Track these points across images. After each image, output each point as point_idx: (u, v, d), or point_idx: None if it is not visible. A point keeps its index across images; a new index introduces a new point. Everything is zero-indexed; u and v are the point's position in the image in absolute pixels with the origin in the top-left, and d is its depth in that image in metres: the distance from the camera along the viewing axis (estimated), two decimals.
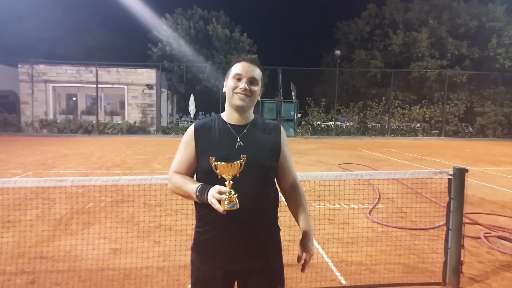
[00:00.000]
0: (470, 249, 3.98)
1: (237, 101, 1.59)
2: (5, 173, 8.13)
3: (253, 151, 1.57)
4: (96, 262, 3.48)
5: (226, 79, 1.68)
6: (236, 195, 1.43)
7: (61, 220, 4.81)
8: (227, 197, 1.41)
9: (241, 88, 1.58)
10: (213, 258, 1.58)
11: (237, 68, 1.62)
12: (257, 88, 1.63)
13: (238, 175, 1.48)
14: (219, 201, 1.41)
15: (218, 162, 1.46)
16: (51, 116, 21.46)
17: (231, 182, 1.46)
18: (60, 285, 3.08)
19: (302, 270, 1.66)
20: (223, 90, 1.68)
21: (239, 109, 1.61)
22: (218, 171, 1.47)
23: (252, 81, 1.61)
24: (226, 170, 1.45)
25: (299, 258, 1.67)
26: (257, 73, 1.63)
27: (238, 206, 1.42)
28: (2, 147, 13.55)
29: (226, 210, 1.40)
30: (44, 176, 7.64)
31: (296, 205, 1.72)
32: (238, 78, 1.60)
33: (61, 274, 3.26)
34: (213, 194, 1.42)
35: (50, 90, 21.47)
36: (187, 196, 1.58)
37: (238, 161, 1.47)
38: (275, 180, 1.73)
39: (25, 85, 21.20)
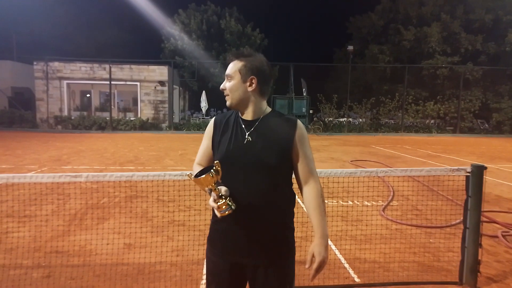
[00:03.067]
0: (488, 248, 3.90)
1: (226, 102, 1.64)
2: (21, 168, 8.28)
3: (260, 147, 1.55)
4: (110, 257, 3.51)
5: None
6: (228, 198, 1.45)
7: (76, 215, 4.87)
8: (219, 204, 1.43)
9: (221, 90, 1.65)
10: (222, 249, 1.60)
11: None
12: (232, 82, 1.61)
13: (220, 180, 1.48)
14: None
15: (193, 178, 1.46)
16: (65, 113, 21.76)
17: (217, 188, 1.45)
18: (75, 280, 3.11)
19: (311, 278, 1.55)
20: None
21: (232, 108, 1.66)
22: (196, 185, 1.51)
23: (226, 77, 1.63)
24: (199, 183, 1.45)
25: (308, 264, 1.57)
26: (230, 67, 1.62)
27: (232, 208, 1.44)
28: (18, 143, 13.80)
29: (222, 215, 1.45)
30: (59, 172, 7.75)
31: (310, 207, 1.61)
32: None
33: (76, 269, 3.30)
34: (210, 202, 1.46)
35: (64, 87, 21.76)
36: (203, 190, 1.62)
37: (210, 172, 1.43)
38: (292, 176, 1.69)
39: (40, 82, 21.52)
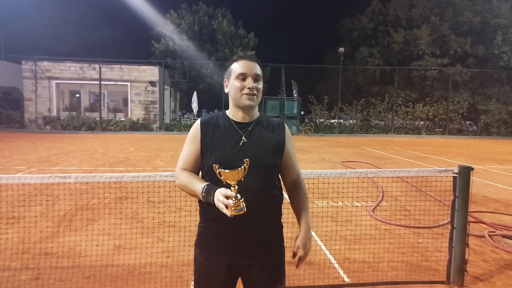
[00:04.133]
0: (475, 248, 3.97)
1: (246, 101, 1.59)
2: (8, 169, 8.17)
3: (257, 148, 1.58)
4: (100, 259, 3.49)
5: (226, 79, 1.67)
6: (243, 199, 1.43)
7: (65, 216, 4.82)
8: (234, 202, 1.41)
9: (249, 88, 1.57)
10: (217, 253, 1.59)
11: (239, 67, 1.60)
12: (261, 85, 1.64)
13: (242, 179, 1.47)
14: (227, 206, 1.42)
15: (222, 170, 1.46)
16: (54, 113, 21.50)
17: (237, 187, 1.45)
18: (64, 282, 3.09)
19: (297, 266, 1.68)
20: (226, 91, 1.67)
21: (247, 108, 1.62)
22: (222, 177, 1.47)
23: (256, 78, 1.60)
24: (230, 176, 1.45)
25: (294, 255, 1.69)
26: (259, 69, 1.63)
27: (245, 209, 1.43)
28: (6, 143, 13.60)
29: (233, 215, 1.42)
30: (48, 173, 7.66)
31: (297, 203, 1.74)
32: (243, 78, 1.59)
33: (65, 271, 3.28)
34: (220, 199, 1.42)
35: (53, 87, 21.51)
36: (193, 195, 1.60)
37: (242, 167, 1.46)
38: (279, 176, 1.72)
39: (28, 82, 21.24)
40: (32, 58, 21.27)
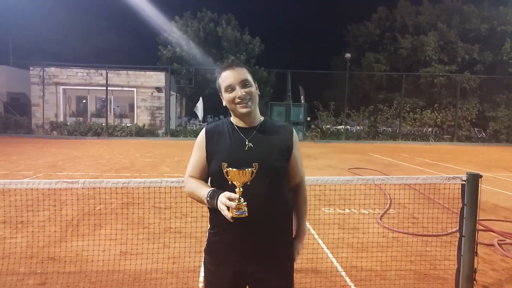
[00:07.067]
0: (484, 257, 3.91)
1: (241, 110, 1.59)
2: (16, 174, 8.23)
3: (263, 152, 1.57)
4: (106, 264, 3.49)
5: (220, 93, 1.67)
6: (245, 203, 1.42)
7: (72, 221, 4.84)
8: (236, 204, 1.40)
9: (239, 98, 1.57)
10: (225, 259, 1.58)
11: (223, 80, 1.61)
12: (252, 88, 1.61)
13: (249, 182, 1.47)
14: (228, 208, 1.41)
15: (230, 168, 1.45)
16: (61, 118, 21.71)
17: (241, 189, 1.45)
18: (71, 287, 3.09)
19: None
20: (224, 105, 1.68)
21: (246, 116, 1.62)
22: (229, 177, 1.47)
23: (244, 83, 1.59)
24: (238, 177, 1.44)
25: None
26: (244, 72, 1.60)
27: (246, 214, 1.42)
28: (13, 148, 13.73)
29: (234, 217, 1.40)
30: (54, 178, 7.71)
31: (300, 211, 1.78)
32: (231, 89, 1.59)
33: (72, 276, 3.28)
34: (222, 200, 1.42)
35: (60, 93, 21.74)
36: (200, 201, 1.60)
37: (250, 169, 1.45)
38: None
39: (36, 88, 21.49)
40: (40, 64, 21.54)
